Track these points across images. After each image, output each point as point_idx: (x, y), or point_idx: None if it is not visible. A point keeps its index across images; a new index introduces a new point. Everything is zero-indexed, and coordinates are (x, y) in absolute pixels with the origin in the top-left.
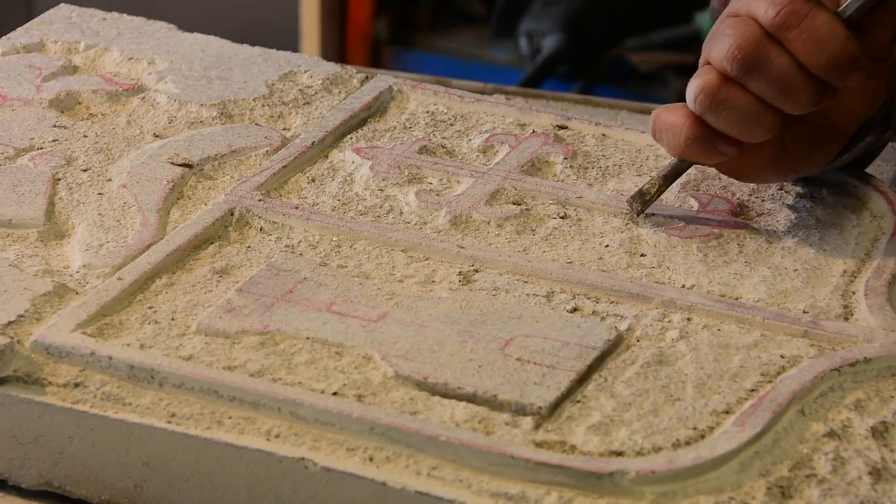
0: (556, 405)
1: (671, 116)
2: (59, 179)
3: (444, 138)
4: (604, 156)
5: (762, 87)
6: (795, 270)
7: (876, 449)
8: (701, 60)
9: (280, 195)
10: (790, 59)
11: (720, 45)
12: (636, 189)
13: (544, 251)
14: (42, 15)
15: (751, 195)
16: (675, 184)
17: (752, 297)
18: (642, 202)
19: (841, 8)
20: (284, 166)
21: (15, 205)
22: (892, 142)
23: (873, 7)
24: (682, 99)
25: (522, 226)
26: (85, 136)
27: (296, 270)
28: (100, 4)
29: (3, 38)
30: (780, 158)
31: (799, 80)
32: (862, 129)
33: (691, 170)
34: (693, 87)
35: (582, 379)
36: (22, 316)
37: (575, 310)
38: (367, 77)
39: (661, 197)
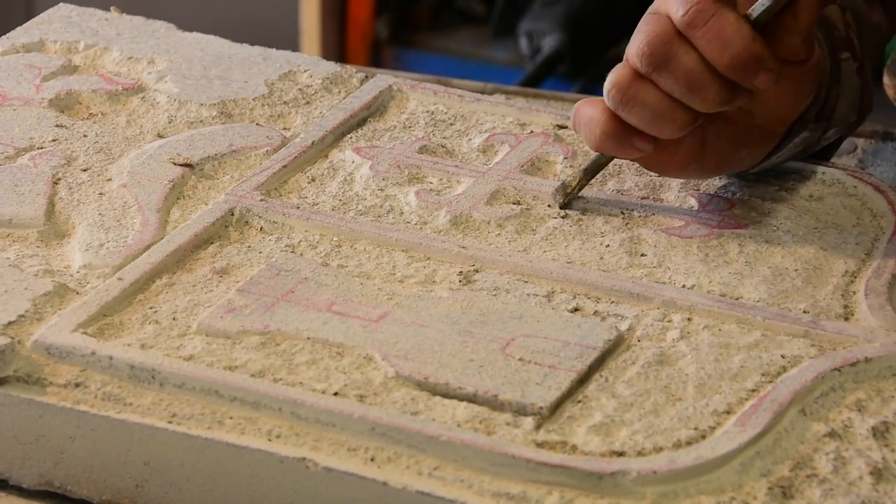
0: (557, 405)
1: (589, 110)
2: (60, 179)
3: (444, 138)
4: None
5: (670, 84)
6: (796, 270)
7: (877, 449)
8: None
9: (280, 195)
10: (697, 58)
11: (634, 42)
12: (560, 182)
13: (545, 251)
14: (42, 14)
15: (751, 195)
16: (675, 183)
17: (753, 297)
18: (564, 194)
19: (749, 10)
20: (284, 166)
21: (15, 205)
22: (851, 136)
23: (780, 11)
24: None
25: (523, 226)
26: (85, 136)
27: (296, 270)
28: (99, 4)
29: (3, 37)
30: (701, 156)
31: (706, 79)
32: (794, 127)
33: None
34: (607, 83)
35: (583, 379)
36: (22, 316)
37: (575, 310)
38: (366, 76)
39: (662, 196)
